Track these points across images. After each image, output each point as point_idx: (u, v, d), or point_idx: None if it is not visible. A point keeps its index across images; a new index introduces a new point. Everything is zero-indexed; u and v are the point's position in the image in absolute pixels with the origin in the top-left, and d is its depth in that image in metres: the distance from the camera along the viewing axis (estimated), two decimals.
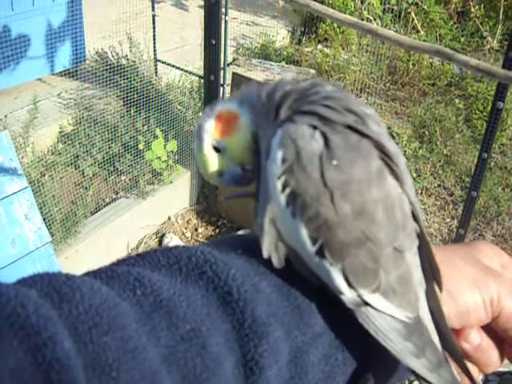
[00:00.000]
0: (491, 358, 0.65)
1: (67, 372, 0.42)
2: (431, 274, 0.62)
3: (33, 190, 3.38)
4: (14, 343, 0.42)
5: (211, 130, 0.67)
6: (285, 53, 6.53)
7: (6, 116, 4.50)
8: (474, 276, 0.64)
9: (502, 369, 3.20)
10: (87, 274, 0.55)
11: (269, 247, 0.60)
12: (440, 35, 6.70)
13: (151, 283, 0.53)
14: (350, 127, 0.59)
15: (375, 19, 6.32)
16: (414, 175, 4.95)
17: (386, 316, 0.58)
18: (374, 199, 0.57)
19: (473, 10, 6.81)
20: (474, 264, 0.65)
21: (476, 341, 0.64)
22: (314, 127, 0.59)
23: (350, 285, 0.57)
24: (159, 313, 0.51)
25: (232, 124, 0.66)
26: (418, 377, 0.59)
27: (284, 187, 0.58)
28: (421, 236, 0.61)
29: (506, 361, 0.67)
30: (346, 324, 0.60)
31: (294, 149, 0.58)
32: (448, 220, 4.57)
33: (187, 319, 0.51)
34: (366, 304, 0.58)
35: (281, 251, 0.60)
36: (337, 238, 0.56)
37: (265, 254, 0.60)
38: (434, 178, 4.97)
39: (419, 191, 4.81)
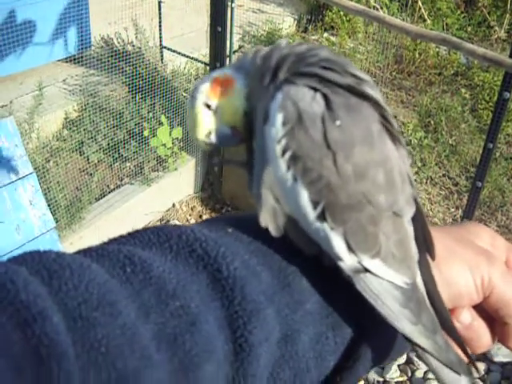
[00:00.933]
0: (482, 337, 0.66)
1: (56, 346, 0.42)
2: (424, 242, 0.62)
3: (38, 176, 3.39)
4: (3, 319, 0.43)
5: (206, 91, 0.66)
6: (291, 40, 6.50)
7: (11, 102, 4.51)
8: (465, 256, 0.64)
9: (504, 359, 3.21)
10: (78, 252, 0.55)
11: (267, 216, 0.60)
12: (447, 24, 6.66)
13: (141, 261, 0.53)
14: (350, 89, 0.59)
15: (382, 7, 6.30)
16: (419, 164, 4.94)
17: (385, 282, 0.58)
18: (376, 162, 0.58)
19: None
20: (466, 244, 0.66)
21: (467, 320, 0.64)
22: (315, 89, 0.59)
23: (350, 250, 0.57)
24: (149, 290, 0.51)
25: (227, 87, 0.66)
26: (414, 344, 0.60)
27: (284, 151, 0.58)
28: (416, 202, 0.62)
29: (508, 351, 0.68)
30: (337, 301, 0.60)
31: (296, 111, 0.58)
32: (453, 210, 4.57)
33: (177, 296, 0.51)
34: (366, 270, 0.58)
35: (279, 219, 0.60)
36: (339, 200, 0.57)
37: (262, 223, 0.60)
38: (439, 168, 4.96)
39: (424, 181, 4.81)
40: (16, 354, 0.41)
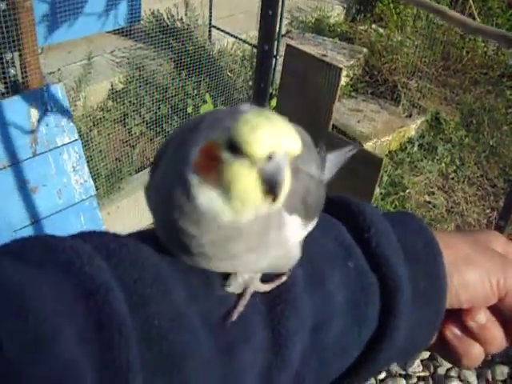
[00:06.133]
0: (496, 337, 0.68)
1: (117, 315, 0.46)
2: None
3: (82, 144, 3.44)
4: (67, 287, 0.46)
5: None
6: (338, 29, 6.48)
7: (59, 69, 4.57)
8: (482, 260, 0.67)
9: None
10: (130, 235, 0.58)
11: None
12: (497, 24, 6.57)
13: None
14: None
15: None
16: (458, 163, 4.91)
17: None
18: None
19: None
20: (483, 249, 0.68)
21: (482, 320, 0.67)
22: None
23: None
24: (197, 275, 0.55)
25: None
26: None
27: None
28: None
29: None
30: (362, 298, 0.63)
31: None
32: (488, 211, 4.54)
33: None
34: None
35: None
36: None
37: None
38: (478, 168, 4.93)
39: (461, 180, 4.78)
40: (79, 324, 0.45)
